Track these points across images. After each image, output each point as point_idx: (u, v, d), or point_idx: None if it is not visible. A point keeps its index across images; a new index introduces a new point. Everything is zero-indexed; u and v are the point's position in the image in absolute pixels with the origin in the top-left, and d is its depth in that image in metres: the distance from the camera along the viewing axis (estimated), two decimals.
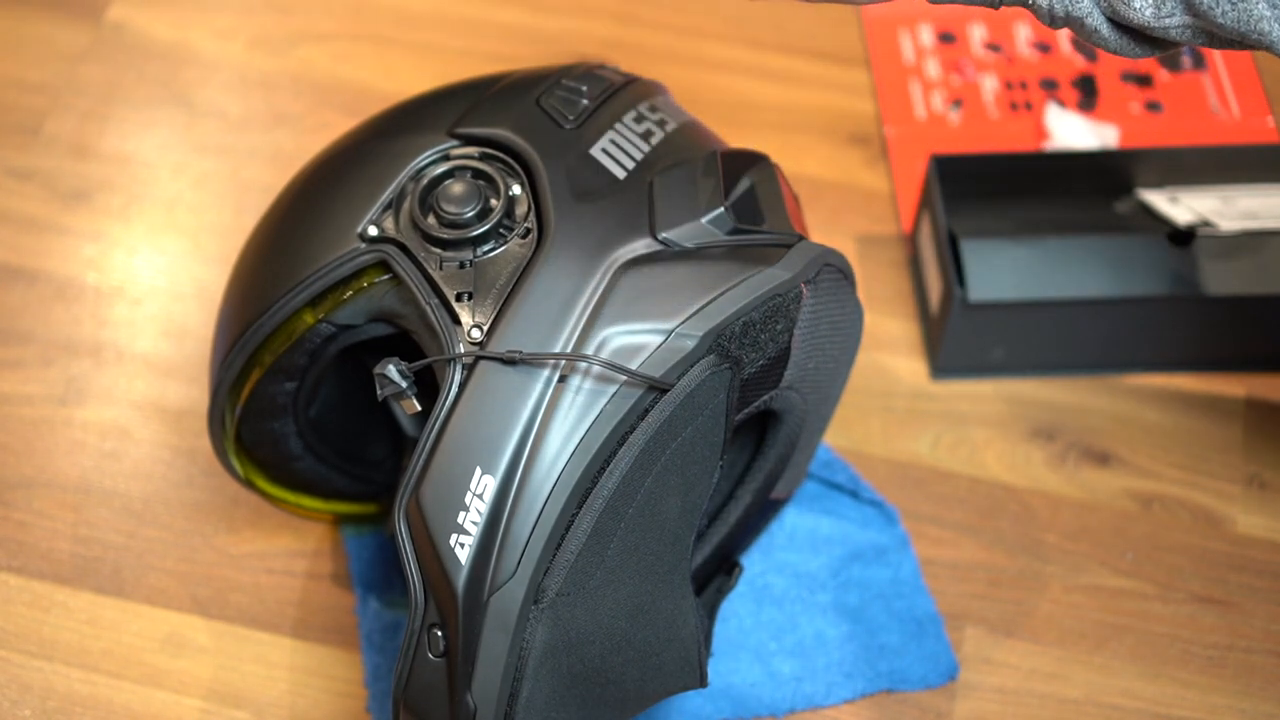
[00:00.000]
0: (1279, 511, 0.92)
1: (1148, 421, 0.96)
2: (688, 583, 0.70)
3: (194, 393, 0.97)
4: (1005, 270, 0.94)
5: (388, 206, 0.71)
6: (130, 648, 0.86)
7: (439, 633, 0.65)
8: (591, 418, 0.64)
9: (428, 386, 0.67)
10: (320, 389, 0.79)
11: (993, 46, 1.16)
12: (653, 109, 0.75)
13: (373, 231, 0.70)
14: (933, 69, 1.14)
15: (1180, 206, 1.00)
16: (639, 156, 0.71)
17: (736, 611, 0.87)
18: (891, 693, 0.85)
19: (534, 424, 0.64)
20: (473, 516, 0.63)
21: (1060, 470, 0.94)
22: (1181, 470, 0.94)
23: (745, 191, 0.72)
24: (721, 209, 0.70)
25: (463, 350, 0.65)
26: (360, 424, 0.85)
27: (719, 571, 0.83)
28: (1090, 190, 1.02)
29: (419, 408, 0.67)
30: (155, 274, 1.03)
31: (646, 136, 0.73)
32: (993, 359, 0.97)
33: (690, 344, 0.65)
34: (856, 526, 0.90)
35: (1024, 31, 1.17)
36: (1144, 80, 1.13)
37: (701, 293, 0.66)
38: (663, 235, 0.68)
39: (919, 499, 0.92)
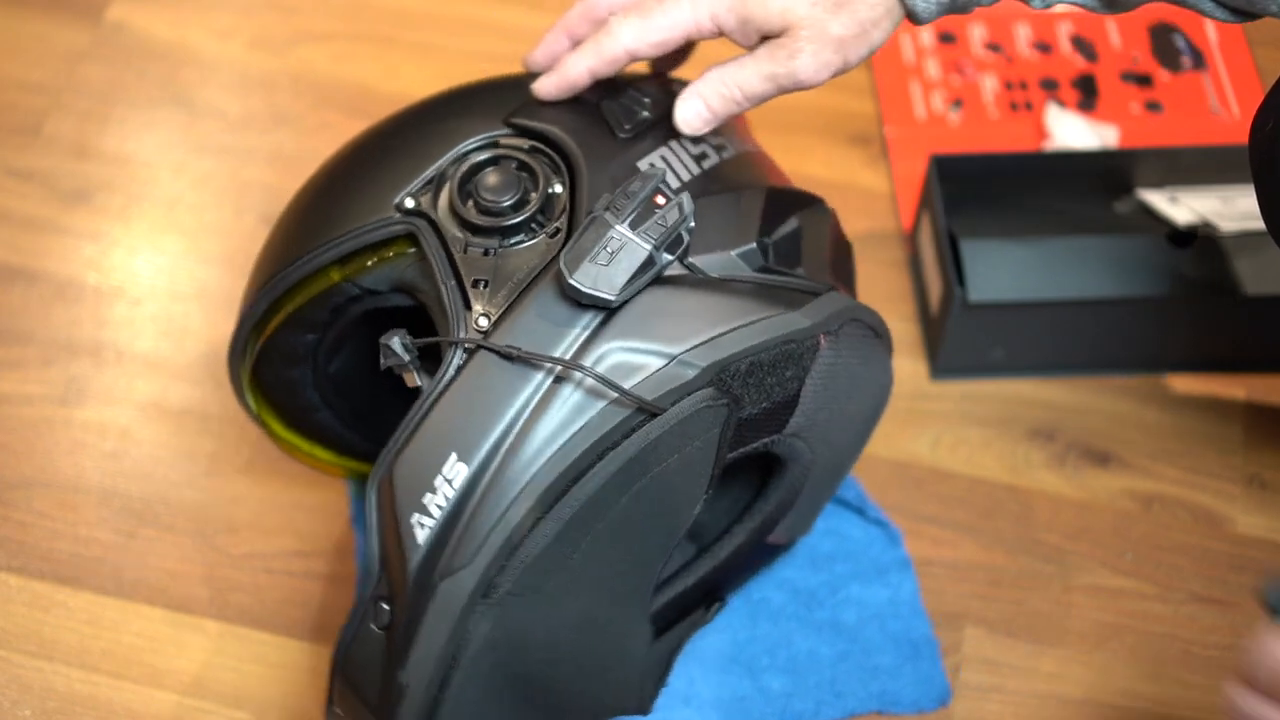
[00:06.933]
0: (1279, 511, 0.92)
1: (1148, 421, 0.96)
2: (646, 610, 0.69)
3: (194, 393, 0.97)
4: (1005, 270, 0.94)
5: (429, 183, 0.71)
6: (130, 648, 0.86)
7: (385, 607, 0.65)
8: (575, 427, 0.63)
9: (434, 363, 0.67)
10: (343, 348, 0.79)
11: (993, 46, 1.16)
12: (715, 132, 0.74)
13: (409, 204, 0.70)
14: (933, 69, 1.14)
15: (1180, 206, 1.00)
16: (685, 178, 0.70)
17: (731, 624, 0.86)
18: (881, 714, 0.84)
19: (518, 422, 0.63)
20: (439, 500, 0.64)
21: (1060, 470, 0.94)
22: (1181, 470, 0.94)
23: (789, 233, 0.72)
24: (753, 244, 0.69)
25: (464, 336, 0.65)
26: (378, 388, 0.85)
27: (700, 604, 0.82)
28: (1090, 190, 1.02)
29: (419, 383, 0.67)
30: (155, 274, 1.03)
31: (700, 159, 0.72)
32: (993, 359, 0.97)
33: (691, 373, 0.64)
34: (859, 545, 0.90)
35: (1024, 31, 1.17)
36: (1144, 80, 1.13)
37: (714, 324, 0.66)
38: (689, 260, 0.67)
39: (919, 499, 0.92)
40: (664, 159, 0.71)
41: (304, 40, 1.16)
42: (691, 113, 0.70)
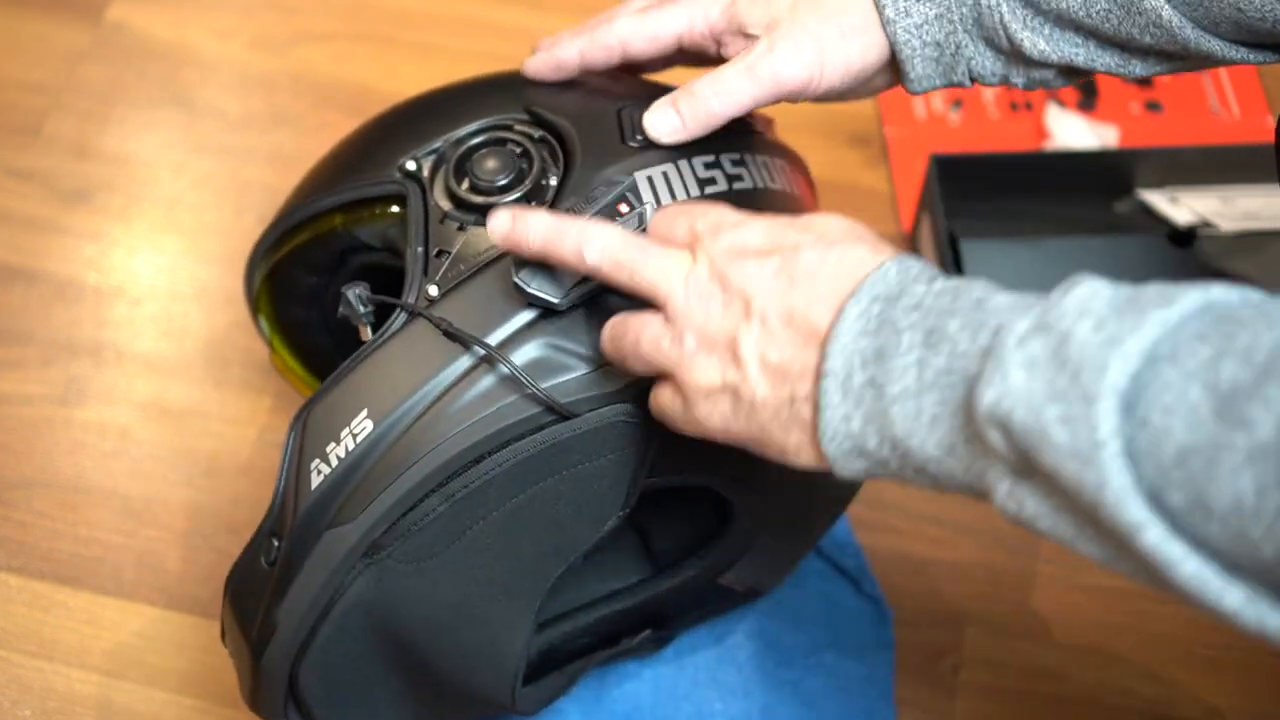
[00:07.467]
0: None
1: None
2: (532, 611, 0.69)
3: (194, 393, 0.97)
4: (1005, 270, 0.94)
5: (435, 151, 0.72)
6: (130, 648, 0.86)
7: (275, 542, 0.66)
8: (485, 412, 0.63)
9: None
10: None
11: None
12: (739, 163, 0.71)
13: (410, 166, 0.71)
14: None
15: (1180, 206, 1.00)
16: (680, 198, 0.68)
17: (695, 662, 0.84)
18: None
19: (431, 394, 0.64)
20: (339, 451, 0.64)
21: None
22: None
23: None
24: None
25: (410, 301, 0.66)
26: None
27: (640, 628, 0.80)
28: (1090, 190, 1.02)
29: (370, 337, 0.68)
30: (155, 274, 1.03)
31: (705, 184, 0.69)
32: None
33: (613, 386, 0.64)
34: (847, 617, 0.87)
35: None
36: (1144, 80, 1.13)
37: None
38: None
39: (919, 499, 0.92)
40: (665, 175, 0.68)
41: (304, 40, 1.16)
42: (660, 119, 0.69)
